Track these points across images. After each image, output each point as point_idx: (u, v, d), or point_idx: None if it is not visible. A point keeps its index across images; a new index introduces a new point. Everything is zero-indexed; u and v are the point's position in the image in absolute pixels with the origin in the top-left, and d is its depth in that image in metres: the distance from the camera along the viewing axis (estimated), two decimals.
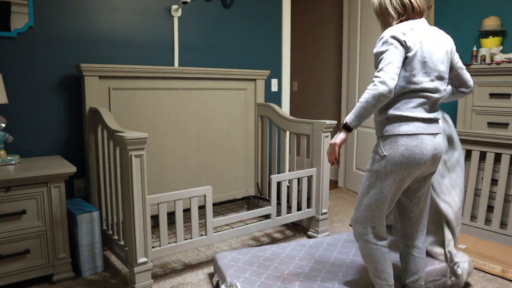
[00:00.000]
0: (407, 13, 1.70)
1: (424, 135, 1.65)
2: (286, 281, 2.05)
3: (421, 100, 1.66)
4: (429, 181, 1.82)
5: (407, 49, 1.62)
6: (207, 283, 2.26)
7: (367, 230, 1.77)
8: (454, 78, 1.84)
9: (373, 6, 1.80)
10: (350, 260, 2.28)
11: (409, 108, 1.65)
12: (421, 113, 1.66)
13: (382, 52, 1.63)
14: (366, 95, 1.60)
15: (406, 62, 1.64)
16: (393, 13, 1.72)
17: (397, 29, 1.64)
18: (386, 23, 1.77)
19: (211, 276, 2.35)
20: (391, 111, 1.67)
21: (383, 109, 1.71)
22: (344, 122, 1.65)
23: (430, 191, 1.87)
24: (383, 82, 1.57)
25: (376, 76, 1.60)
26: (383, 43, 1.64)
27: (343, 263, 2.24)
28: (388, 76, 1.58)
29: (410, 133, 1.64)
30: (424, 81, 1.64)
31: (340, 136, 1.67)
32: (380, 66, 1.61)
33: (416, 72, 1.63)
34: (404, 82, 1.64)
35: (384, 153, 1.67)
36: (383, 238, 1.79)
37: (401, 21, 1.72)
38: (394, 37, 1.62)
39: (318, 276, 2.09)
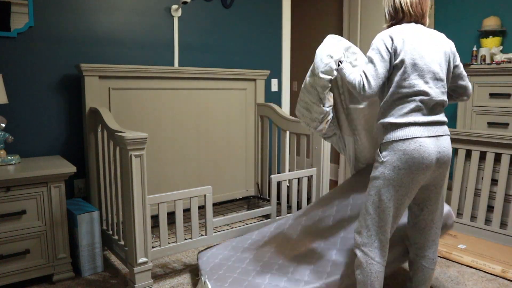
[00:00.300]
0: (400, 17, 1.69)
1: (423, 138, 1.58)
2: (258, 275, 2.03)
3: (416, 104, 1.59)
4: (441, 189, 1.73)
5: (393, 53, 1.61)
6: None
7: (366, 241, 1.67)
8: (453, 85, 1.79)
9: None
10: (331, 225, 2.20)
11: (402, 114, 1.60)
12: (417, 117, 1.59)
13: (368, 57, 1.66)
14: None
15: (395, 66, 1.62)
16: (387, 15, 1.74)
17: (385, 33, 1.65)
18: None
19: (195, 274, 2.36)
20: (387, 119, 1.63)
21: (379, 117, 1.68)
22: None
23: (443, 200, 1.79)
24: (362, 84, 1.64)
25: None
26: (371, 48, 1.66)
27: (318, 246, 2.14)
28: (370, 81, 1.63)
29: (406, 137, 1.58)
30: (417, 84, 1.59)
31: None
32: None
33: (407, 76, 1.59)
34: (395, 87, 1.61)
35: (382, 159, 1.62)
36: (382, 254, 1.67)
37: (392, 25, 1.72)
38: (380, 42, 1.63)
39: (290, 267, 2.05)
